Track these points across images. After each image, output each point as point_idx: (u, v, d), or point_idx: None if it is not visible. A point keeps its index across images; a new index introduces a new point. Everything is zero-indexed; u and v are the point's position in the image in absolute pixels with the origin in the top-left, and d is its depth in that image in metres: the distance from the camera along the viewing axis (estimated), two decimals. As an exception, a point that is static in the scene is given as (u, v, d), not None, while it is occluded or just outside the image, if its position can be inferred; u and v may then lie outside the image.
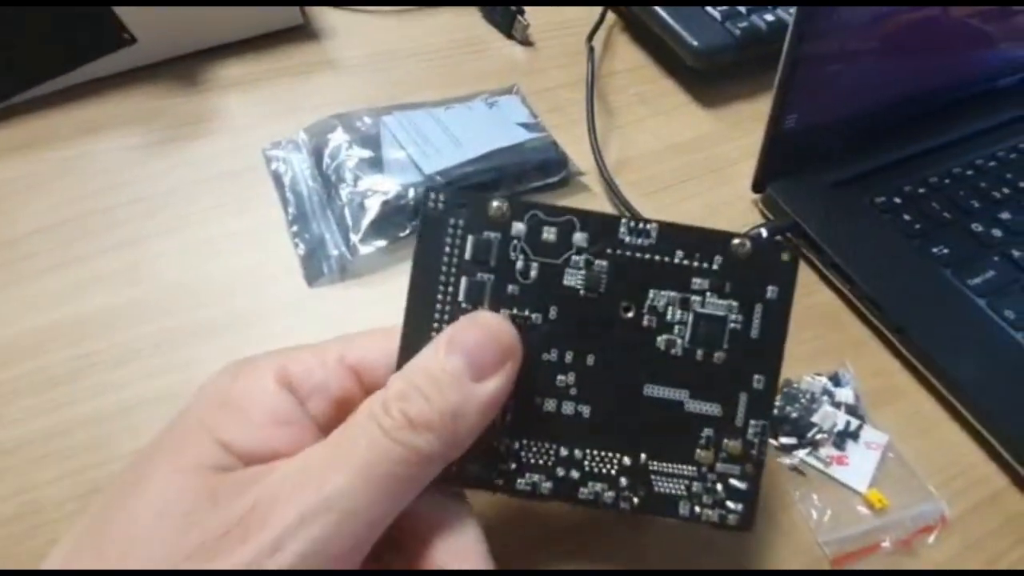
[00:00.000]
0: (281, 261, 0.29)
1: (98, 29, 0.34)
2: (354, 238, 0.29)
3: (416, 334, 0.17)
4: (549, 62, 0.40)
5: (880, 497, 0.23)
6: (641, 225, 0.17)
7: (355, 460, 0.14)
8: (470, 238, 0.17)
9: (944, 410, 0.26)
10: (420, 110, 0.34)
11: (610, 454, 0.17)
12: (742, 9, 0.37)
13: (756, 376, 0.17)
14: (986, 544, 0.23)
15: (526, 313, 0.17)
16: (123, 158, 0.33)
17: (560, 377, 0.17)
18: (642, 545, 0.22)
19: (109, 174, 0.32)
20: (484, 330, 0.16)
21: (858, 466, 0.23)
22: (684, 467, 0.17)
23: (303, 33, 0.41)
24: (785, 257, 0.17)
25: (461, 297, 0.17)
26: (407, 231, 0.29)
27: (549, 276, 0.17)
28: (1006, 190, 0.32)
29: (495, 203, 0.17)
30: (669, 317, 0.17)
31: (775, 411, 0.24)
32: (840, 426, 0.24)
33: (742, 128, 0.37)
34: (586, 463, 0.17)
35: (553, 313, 0.17)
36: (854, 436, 0.24)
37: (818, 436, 0.24)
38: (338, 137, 0.33)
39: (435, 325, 0.17)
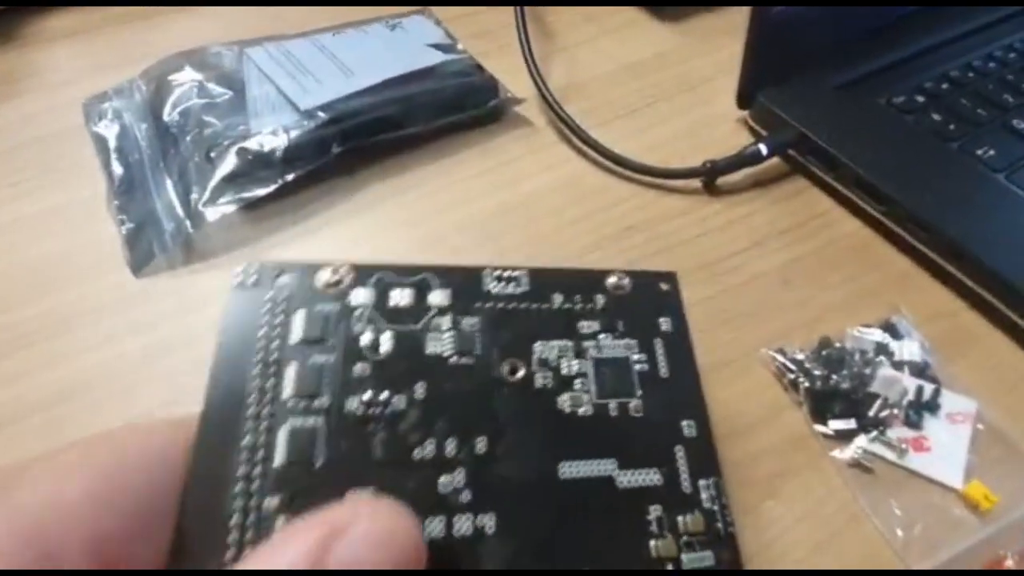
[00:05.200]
0: (104, 245, 0.21)
1: None
2: (197, 196, 0.20)
3: (211, 469, 0.11)
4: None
5: (985, 492, 0.15)
6: (509, 273, 0.15)
7: None
8: (299, 314, 0.13)
9: (1032, 355, 0.19)
10: (298, 39, 0.26)
11: None
12: None
13: (684, 422, 0.14)
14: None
15: (383, 397, 0.13)
16: None
17: (443, 479, 0.12)
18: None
19: None
20: (379, 542, 0.09)
21: (945, 449, 0.16)
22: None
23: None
24: (664, 286, 0.15)
25: (288, 394, 0.12)
26: (275, 186, 0.21)
27: (408, 346, 0.13)
28: (1039, 82, 0.26)
29: (328, 269, 0.14)
30: (566, 371, 0.14)
31: (816, 384, 0.17)
32: (911, 395, 0.17)
33: (712, 42, 0.30)
34: None
35: (420, 391, 0.13)
36: (932, 407, 0.17)
37: (883, 413, 0.16)
38: (185, 77, 0.24)
39: (245, 447, 0.12)
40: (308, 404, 0.12)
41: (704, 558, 0.12)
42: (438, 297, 0.14)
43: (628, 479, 0.13)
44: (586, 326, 0.14)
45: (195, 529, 0.11)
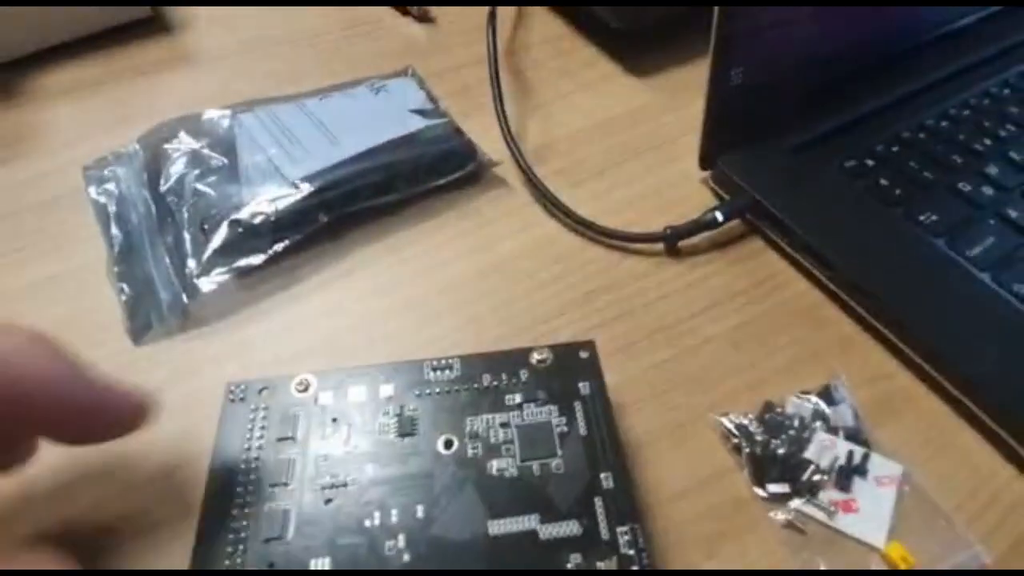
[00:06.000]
0: (102, 314, 0.22)
1: None
2: (192, 267, 0.22)
3: (214, 534, 0.15)
4: (454, 39, 0.34)
5: (904, 553, 0.17)
6: (444, 362, 0.17)
7: None
8: (275, 418, 0.16)
9: (960, 417, 0.21)
10: (287, 103, 0.28)
11: None
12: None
13: (603, 475, 0.16)
14: (1037, 588, 0.18)
15: (340, 479, 0.16)
16: None
17: (389, 543, 0.14)
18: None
19: None
20: None
21: (871, 511, 0.18)
22: None
23: (152, 27, 0.34)
24: (584, 354, 0.18)
25: (266, 483, 0.15)
26: (265, 256, 0.23)
27: (361, 434, 0.16)
28: (987, 140, 0.28)
29: (297, 379, 0.17)
30: (494, 440, 0.16)
31: (757, 449, 0.19)
32: (842, 459, 0.18)
33: (681, 97, 0.31)
34: None
35: (371, 471, 0.16)
36: (860, 471, 0.18)
37: (816, 477, 0.18)
38: (181, 144, 0.26)
39: (233, 528, 0.15)
40: (281, 490, 0.15)
41: None
42: (387, 390, 0.17)
43: (550, 531, 0.15)
44: (511, 399, 0.17)
45: None
